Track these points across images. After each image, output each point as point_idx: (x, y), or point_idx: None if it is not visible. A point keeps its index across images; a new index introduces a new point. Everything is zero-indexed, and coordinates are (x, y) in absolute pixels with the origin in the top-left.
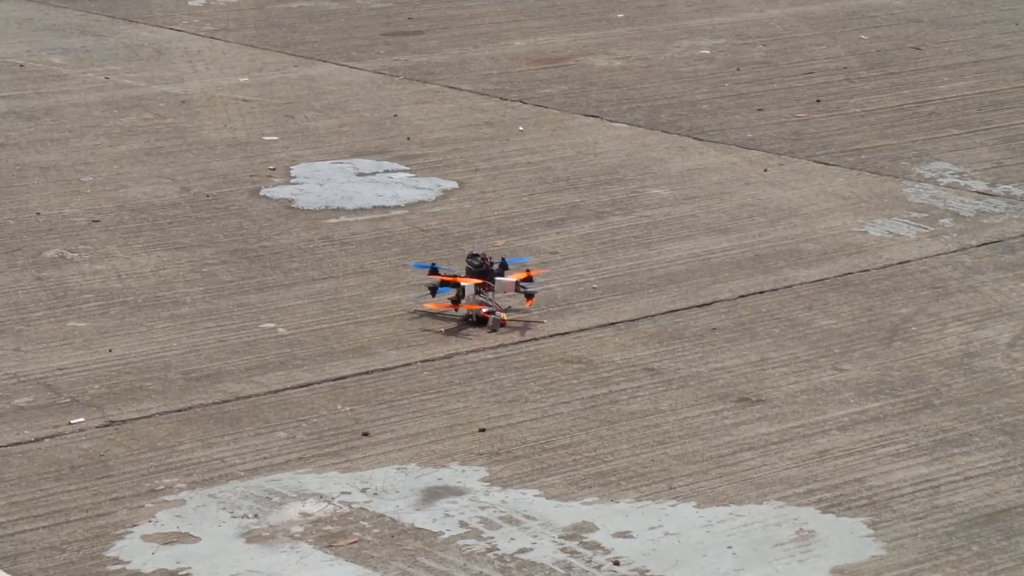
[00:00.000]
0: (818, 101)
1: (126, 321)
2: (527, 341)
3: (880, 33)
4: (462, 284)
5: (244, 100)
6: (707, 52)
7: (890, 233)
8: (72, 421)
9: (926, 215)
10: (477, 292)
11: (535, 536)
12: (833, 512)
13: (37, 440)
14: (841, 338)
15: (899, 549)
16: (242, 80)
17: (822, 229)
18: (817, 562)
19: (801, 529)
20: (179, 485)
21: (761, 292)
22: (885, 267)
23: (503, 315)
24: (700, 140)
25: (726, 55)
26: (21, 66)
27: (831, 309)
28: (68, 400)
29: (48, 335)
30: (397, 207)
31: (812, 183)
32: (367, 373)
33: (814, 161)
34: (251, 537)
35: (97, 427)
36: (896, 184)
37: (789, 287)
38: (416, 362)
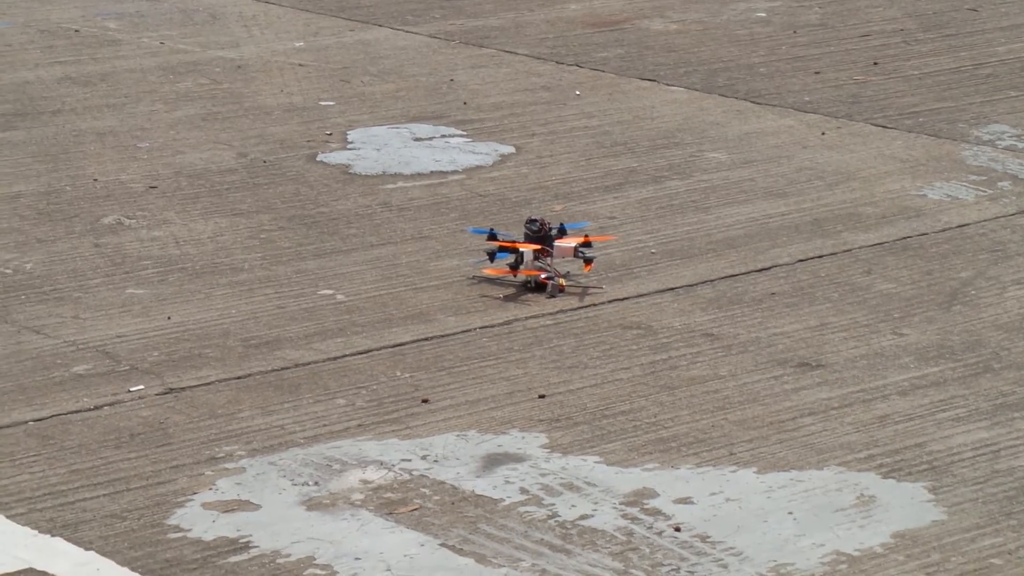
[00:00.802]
0: (875, 64)
1: (184, 288)
2: (586, 307)
3: None
4: (521, 250)
5: (300, 65)
6: (763, 15)
7: (949, 196)
8: (131, 389)
9: (984, 178)
10: (536, 258)
11: (596, 503)
12: (894, 477)
13: (97, 408)
14: (900, 302)
15: (960, 514)
16: (297, 45)
17: (880, 193)
18: (878, 527)
19: (862, 494)
20: (239, 453)
21: (820, 256)
22: (944, 231)
23: (562, 281)
24: (757, 104)
25: (782, 18)
26: (76, 31)
27: (890, 273)
28: (127, 368)
29: (107, 302)
30: (455, 172)
31: (870, 146)
32: (426, 340)
33: (872, 124)
34: (312, 504)
35: (156, 395)
36: (954, 147)
37: (848, 251)
38: (475, 328)
